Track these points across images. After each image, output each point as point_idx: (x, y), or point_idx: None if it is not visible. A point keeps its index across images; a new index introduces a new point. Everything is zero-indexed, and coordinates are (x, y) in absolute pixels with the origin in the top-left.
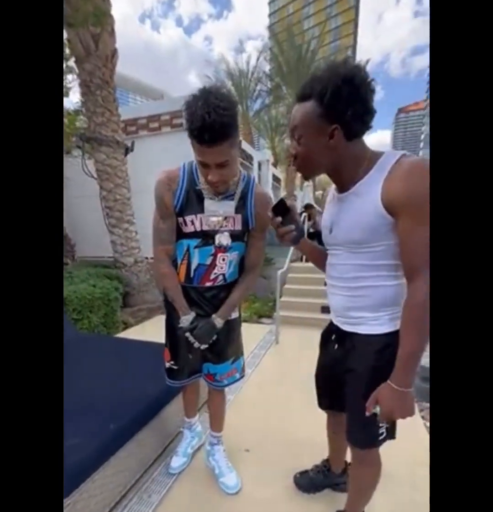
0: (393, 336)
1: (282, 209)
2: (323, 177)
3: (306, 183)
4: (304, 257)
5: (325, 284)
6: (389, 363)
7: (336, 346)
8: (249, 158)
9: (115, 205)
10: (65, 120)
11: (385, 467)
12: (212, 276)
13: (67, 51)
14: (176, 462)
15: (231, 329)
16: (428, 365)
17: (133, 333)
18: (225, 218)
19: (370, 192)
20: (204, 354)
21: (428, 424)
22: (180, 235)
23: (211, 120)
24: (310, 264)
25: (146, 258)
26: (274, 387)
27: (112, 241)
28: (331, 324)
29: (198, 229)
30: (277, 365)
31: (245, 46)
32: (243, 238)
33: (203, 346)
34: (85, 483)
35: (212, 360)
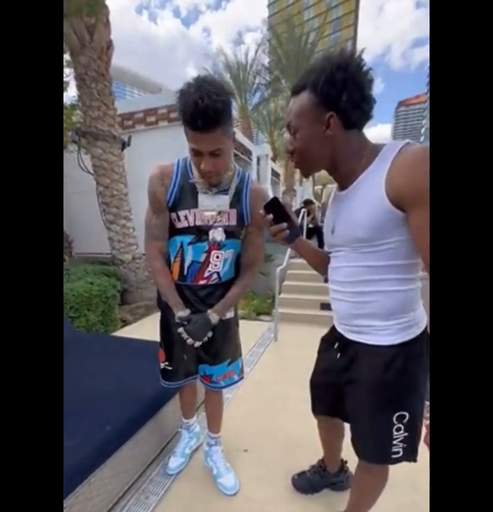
0: (404, 346)
1: (275, 207)
2: (323, 173)
3: (305, 178)
4: None
5: (325, 281)
6: (400, 374)
7: (338, 355)
8: (248, 152)
9: (112, 201)
10: None
11: None
12: (206, 274)
13: None
14: (174, 462)
15: (227, 328)
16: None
17: (131, 331)
18: (219, 213)
19: (373, 185)
20: (199, 355)
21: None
22: (173, 231)
23: (204, 105)
24: None
25: (144, 254)
26: (273, 385)
27: (109, 238)
28: (334, 330)
29: (192, 224)
30: (276, 363)
31: (244, 38)
32: (239, 236)
33: (197, 344)
34: (82, 486)
35: (207, 361)
